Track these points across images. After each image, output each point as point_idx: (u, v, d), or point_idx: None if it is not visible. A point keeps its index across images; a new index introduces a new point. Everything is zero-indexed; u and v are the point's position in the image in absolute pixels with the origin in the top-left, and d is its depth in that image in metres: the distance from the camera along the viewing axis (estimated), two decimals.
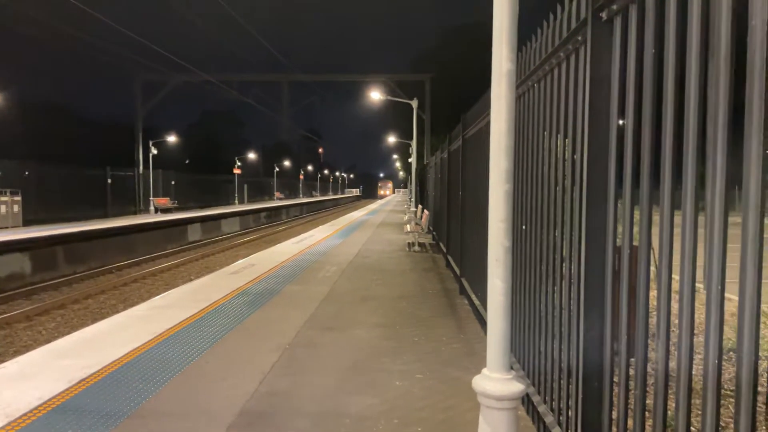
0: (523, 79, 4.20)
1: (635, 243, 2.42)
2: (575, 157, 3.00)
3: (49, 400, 4.17)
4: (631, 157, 2.44)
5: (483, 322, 6.03)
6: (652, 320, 2.22)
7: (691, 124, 1.93)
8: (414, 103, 27.42)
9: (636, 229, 2.39)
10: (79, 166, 30.45)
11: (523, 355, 4.23)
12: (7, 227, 21.68)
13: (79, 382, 4.56)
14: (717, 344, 1.80)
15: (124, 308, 11.65)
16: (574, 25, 3.00)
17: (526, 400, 3.98)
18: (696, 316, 1.97)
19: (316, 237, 18.25)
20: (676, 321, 2.03)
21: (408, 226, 17.07)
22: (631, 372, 2.45)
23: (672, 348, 2.14)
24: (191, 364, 5.09)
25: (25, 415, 3.90)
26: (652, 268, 2.29)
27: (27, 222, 23.41)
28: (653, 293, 2.24)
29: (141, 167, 38.20)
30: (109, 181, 32.11)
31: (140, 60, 35.32)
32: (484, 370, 2.36)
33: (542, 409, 3.59)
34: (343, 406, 4.20)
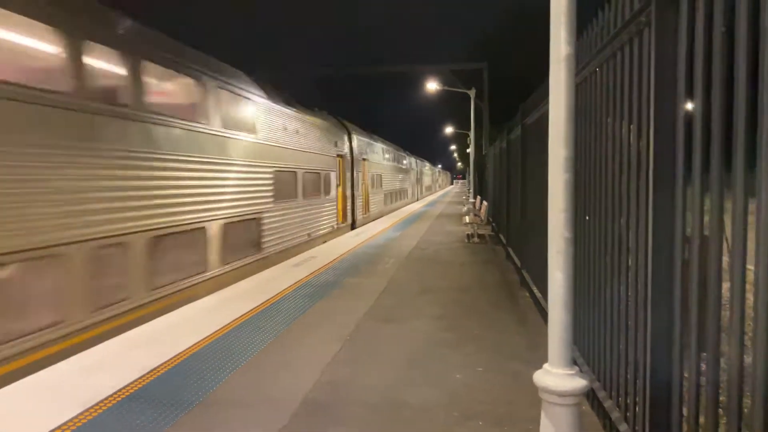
0: (584, 64, 4.07)
1: (705, 232, 2.30)
2: (640, 143, 2.88)
3: (122, 388, 4.37)
4: (701, 142, 2.32)
5: (545, 315, 5.91)
6: (725, 313, 2.11)
7: (765, 105, 1.81)
8: (472, 93, 27.06)
9: (706, 217, 2.28)
10: None
11: (587, 348, 4.12)
12: None
13: (151, 371, 4.76)
14: None
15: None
16: (637, 6, 2.87)
17: (591, 395, 3.87)
18: None
19: (375, 229, 18.34)
20: (751, 314, 1.92)
21: (467, 217, 16.91)
22: (702, 367, 2.34)
23: (747, 342, 2.03)
24: (256, 354, 5.23)
25: (100, 402, 4.10)
26: (725, 258, 2.17)
27: None
28: (726, 285, 2.13)
29: None
30: None
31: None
32: (546, 365, 2.31)
33: (608, 404, 3.48)
34: (403, 397, 4.21)
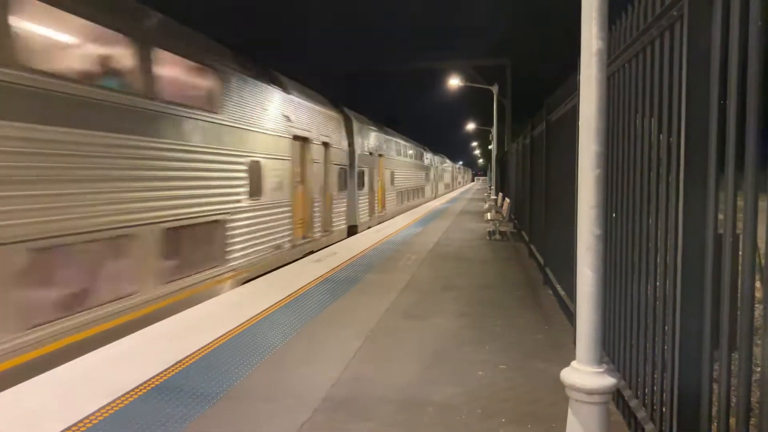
0: (613, 58, 4.01)
1: (738, 231, 2.26)
2: (671, 140, 2.84)
3: (149, 380, 4.44)
4: (735, 139, 2.27)
5: (569, 313, 5.86)
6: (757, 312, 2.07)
7: None
8: (494, 89, 26.90)
9: (738, 215, 2.23)
10: None
11: (612, 347, 4.08)
12: None
13: (176, 363, 4.82)
14: None
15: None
16: None
17: (615, 394, 3.83)
18: None
19: (396, 225, 18.34)
20: None
21: (488, 214, 16.82)
22: (733, 367, 2.30)
23: None
24: (278, 348, 5.27)
25: (127, 393, 4.17)
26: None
27: None
28: (758, 283, 2.09)
29: None
30: None
31: None
32: (574, 363, 2.29)
33: (634, 403, 3.44)
34: (425, 394, 4.21)
